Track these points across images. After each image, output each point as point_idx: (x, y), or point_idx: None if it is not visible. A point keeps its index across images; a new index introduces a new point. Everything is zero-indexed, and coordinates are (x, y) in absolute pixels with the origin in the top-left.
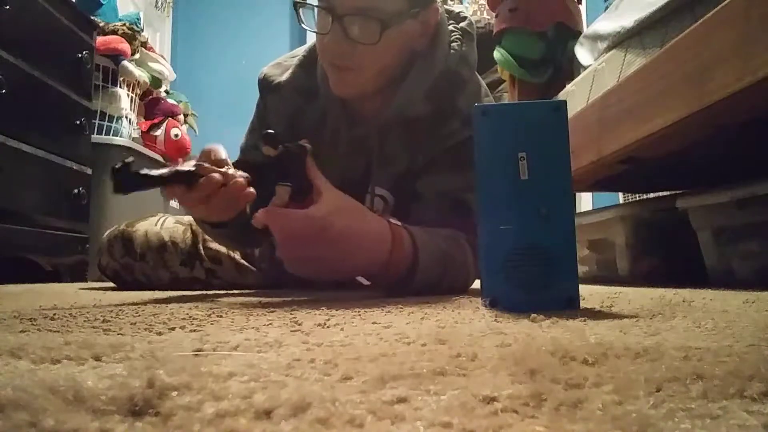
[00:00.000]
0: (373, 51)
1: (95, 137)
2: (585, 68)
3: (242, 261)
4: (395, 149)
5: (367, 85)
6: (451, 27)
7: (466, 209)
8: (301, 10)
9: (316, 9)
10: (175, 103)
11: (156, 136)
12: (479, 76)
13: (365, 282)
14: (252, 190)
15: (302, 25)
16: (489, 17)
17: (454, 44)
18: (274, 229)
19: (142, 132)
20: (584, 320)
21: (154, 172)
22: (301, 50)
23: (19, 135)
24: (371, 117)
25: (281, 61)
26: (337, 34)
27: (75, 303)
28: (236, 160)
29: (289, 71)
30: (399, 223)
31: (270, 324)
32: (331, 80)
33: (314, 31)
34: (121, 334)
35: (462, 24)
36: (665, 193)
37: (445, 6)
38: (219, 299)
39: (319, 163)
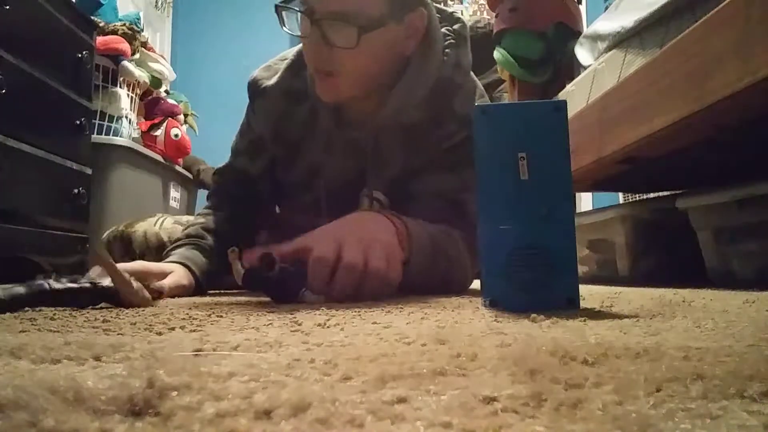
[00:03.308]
0: (352, 55)
1: (95, 137)
2: (585, 68)
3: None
4: (390, 152)
5: (352, 90)
6: (444, 30)
7: (460, 209)
8: (283, 14)
9: (298, 12)
10: (175, 103)
11: (156, 136)
12: (474, 77)
13: None
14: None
15: (284, 28)
16: (489, 17)
17: (447, 50)
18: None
19: (142, 132)
20: (584, 320)
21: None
22: (290, 53)
23: (19, 135)
24: (365, 120)
25: (271, 63)
26: (316, 38)
27: None
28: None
29: (278, 74)
30: (395, 215)
31: (270, 324)
32: (316, 86)
33: (295, 35)
34: (121, 334)
35: (456, 26)
36: (665, 193)
37: (437, 6)
38: (219, 299)
39: (312, 165)
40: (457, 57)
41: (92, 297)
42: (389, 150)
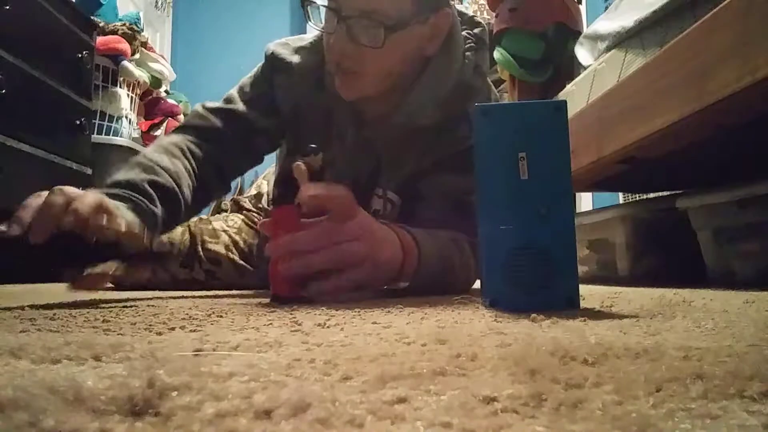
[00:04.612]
0: (377, 55)
1: (95, 137)
2: (585, 68)
3: (241, 262)
4: (403, 153)
5: (372, 88)
6: (464, 33)
7: (468, 211)
8: (308, 8)
9: (322, 7)
10: (175, 103)
11: (156, 136)
12: (489, 81)
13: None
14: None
15: (309, 23)
16: (489, 17)
17: (468, 53)
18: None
19: (142, 132)
20: (584, 320)
21: None
22: (308, 37)
23: (19, 135)
24: (380, 120)
25: (289, 42)
26: (342, 36)
27: (75, 303)
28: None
29: (299, 55)
30: (405, 229)
31: (270, 324)
32: (336, 82)
33: (321, 30)
34: (121, 334)
35: (476, 30)
36: (665, 193)
37: (457, 8)
38: (219, 299)
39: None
40: (477, 61)
41: (89, 253)
42: (403, 151)
